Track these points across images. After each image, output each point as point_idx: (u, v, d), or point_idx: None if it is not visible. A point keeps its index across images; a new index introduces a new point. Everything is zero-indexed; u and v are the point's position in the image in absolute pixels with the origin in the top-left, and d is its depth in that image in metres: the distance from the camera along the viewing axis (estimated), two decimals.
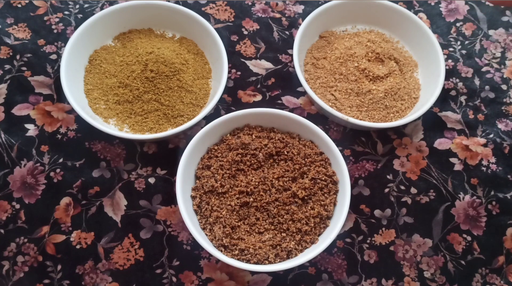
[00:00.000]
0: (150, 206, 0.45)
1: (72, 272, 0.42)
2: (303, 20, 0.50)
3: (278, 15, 0.56)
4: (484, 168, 0.49)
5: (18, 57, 0.50)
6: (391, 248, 0.45)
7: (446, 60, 0.54)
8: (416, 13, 0.57)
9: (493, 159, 0.49)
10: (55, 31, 0.52)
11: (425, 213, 0.46)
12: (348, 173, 0.41)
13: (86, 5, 0.54)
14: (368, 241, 0.45)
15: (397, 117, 0.48)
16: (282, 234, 0.40)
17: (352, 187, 0.46)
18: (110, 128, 0.45)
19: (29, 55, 0.50)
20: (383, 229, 0.46)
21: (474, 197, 0.47)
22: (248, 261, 0.39)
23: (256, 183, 0.42)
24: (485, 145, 0.50)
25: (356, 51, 0.50)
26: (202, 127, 0.43)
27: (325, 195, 0.42)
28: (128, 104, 0.46)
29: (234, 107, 0.50)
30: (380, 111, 0.48)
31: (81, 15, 0.53)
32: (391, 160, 0.48)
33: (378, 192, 0.47)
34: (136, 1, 0.49)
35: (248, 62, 0.53)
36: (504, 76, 0.54)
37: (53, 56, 0.51)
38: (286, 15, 0.56)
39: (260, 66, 0.52)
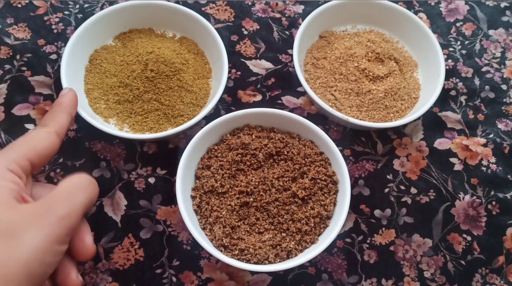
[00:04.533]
0: (150, 206, 0.45)
1: None
2: (303, 20, 0.50)
3: (278, 15, 0.56)
4: (484, 168, 0.49)
5: (18, 57, 0.50)
6: (391, 248, 0.45)
7: (446, 60, 0.54)
8: (416, 13, 0.57)
9: (493, 159, 0.49)
10: (55, 31, 0.52)
11: (425, 213, 0.46)
12: (348, 173, 0.41)
13: (86, 5, 0.54)
14: (368, 241, 0.45)
15: (397, 117, 0.48)
16: (282, 234, 0.40)
17: (352, 187, 0.46)
18: (110, 127, 0.45)
19: (29, 55, 0.50)
20: (383, 229, 0.46)
21: (474, 197, 0.47)
22: (248, 261, 0.39)
23: (256, 183, 0.42)
24: (485, 145, 0.50)
25: (356, 51, 0.50)
26: (202, 127, 0.43)
27: (325, 195, 0.42)
28: (128, 104, 0.46)
29: (234, 107, 0.50)
30: (380, 111, 0.48)
31: (81, 15, 0.53)
32: (391, 160, 0.48)
33: (378, 192, 0.47)
34: (137, 1, 0.49)
35: (248, 62, 0.53)
36: (504, 76, 0.54)
37: (53, 56, 0.51)
38: (286, 15, 0.56)
39: (260, 66, 0.52)
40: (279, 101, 0.51)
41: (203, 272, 0.43)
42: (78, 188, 0.30)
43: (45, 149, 0.32)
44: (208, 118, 0.47)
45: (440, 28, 0.57)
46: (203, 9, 0.55)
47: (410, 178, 0.48)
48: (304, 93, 0.51)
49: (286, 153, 0.43)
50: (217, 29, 0.50)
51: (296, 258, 0.39)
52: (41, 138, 0.32)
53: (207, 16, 0.54)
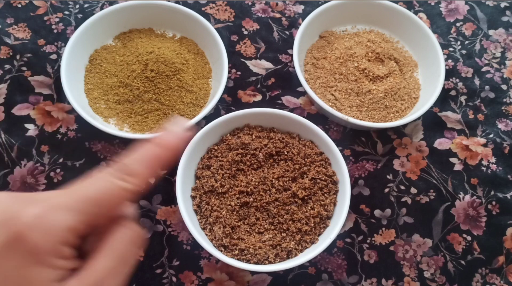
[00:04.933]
0: (150, 206, 0.45)
1: None
2: (303, 20, 0.50)
3: (278, 15, 0.56)
4: (484, 168, 0.49)
5: (18, 57, 0.50)
6: (391, 248, 0.45)
7: (446, 60, 0.54)
8: (416, 13, 0.57)
9: (493, 159, 0.49)
10: (55, 31, 0.52)
11: (425, 213, 0.46)
12: (348, 173, 0.41)
13: (86, 5, 0.54)
14: (368, 241, 0.45)
15: (397, 117, 0.48)
16: (282, 234, 0.40)
17: (352, 187, 0.46)
18: (110, 127, 0.45)
19: (29, 55, 0.50)
20: (383, 229, 0.46)
21: (474, 197, 0.47)
22: (248, 261, 0.39)
23: (256, 183, 0.42)
24: (485, 145, 0.50)
25: (356, 51, 0.50)
26: (202, 127, 0.43)
27: (325, 195, 0.42)
28: (128, 104, 0.46)
29: (234, 107, 0.50)
30: (380, 111, 0.48)
31: (81, 15, 0.53)
32: (391, 160, 0.48)
33: (378, 192, 0.47)
34: (137, 1, 0.49)
35: (248, 62, 0.53)
36: (504, 76, 0.54)
37: (53, 56, 0.51)
38: (286, 15, 0.56)
39: (260, 66, 0.52)
40: (279, 101, 0.51)
41: (203, 272, 0.43)
42: (129, 254, 0.23)
43: (116, 211, 0.23)
44: (208, 118, 0.47)
45: (440, 28, 0.57)
46: (203, 9, 0.55)
47: (410, 178, 0.48)
48: (304, 93, 0.51)
49: (286, 153, 0.43)
50: (217, 29, 0.50)
51: (296, 258, 0.39)
52: (119, 199, 0.22)
53: (207, 16, 0.54)
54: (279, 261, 0.39)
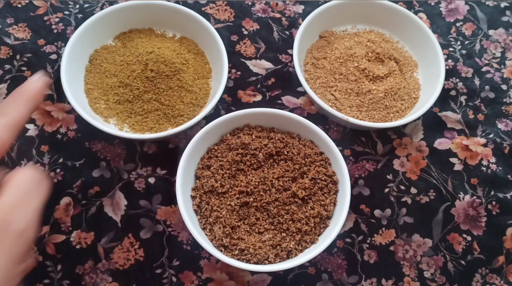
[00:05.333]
0: (150, 206, 0.45)
1: (72, 272, 0.42)
2: (303, 20, 0.50)
3: (278, 15, 0.56)
4: (484, 168, 0.49)
5: (18, 57, 0.50)
6: (391, 248, 0.45)
7: (446, 60, 0.54)
8: (416, 13, 0.57)
9: (493, 159, 0.49)
10: (55, 31, 0.52)
11: (425, 213, 0.46)
12: (348, 173, 0.41)
13: (86, 5, 0.54)
14: (368, 241, 0.45)
15: (397, 117, 0.48)
16: (282, 234, 0.40)
17: (352, 187, 0.46)
18: (110, 127, 0.45)
19: (29, 55, 0.50)
20: (383, 229, 0.46)
21: (474, 197, 0.47)
22: (248, 261, 0.39)
23: (256, 183, 0.42)
24: (485, 145, 0.50)
25: (356, 51, 0.50)
26: (202, 127, 0.43)
27: (325, 195, 0.42)
28: (128, 104, 0.46)
29: (234, 107, 0.50)
30: (380, 111, 0.48)
31: (81, 15, 0.53)
32: (391, 160, 0.48)
33: (378, 192, 0.47)
34: (137, 1, 0.49)
35: (248, 62, 0.53)
36: (504, 76, 0.54)
37: (53, 56, 0.51)
38: (286, 15, 0.56)
39: (260, 66, 0.52)
40: (279, 101, 0.51)
41: (203, 272, 0.43)
42: (32, 189, 0.25)
43: (6, 145, 0.27)
44: (208, 118, 0.47)
45: (440, 28, 0.57)
46: (203, 9, 0.55)
47: (410, 178, 0.48)
48: (304, 93, 0.51)
49: (286, 153, 0.43)
50: (217, 29, 0.50)
51: (296, 258, 0.39)
52: (4, 132, 0.27)
53: (207, 16, 0.54)
54: (279, 261, 0.39)
